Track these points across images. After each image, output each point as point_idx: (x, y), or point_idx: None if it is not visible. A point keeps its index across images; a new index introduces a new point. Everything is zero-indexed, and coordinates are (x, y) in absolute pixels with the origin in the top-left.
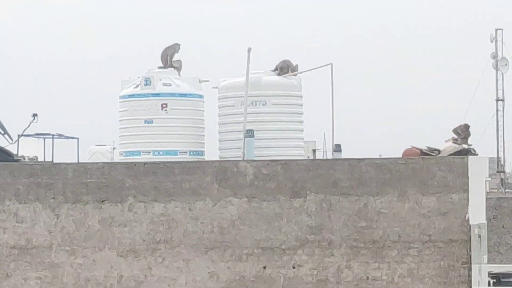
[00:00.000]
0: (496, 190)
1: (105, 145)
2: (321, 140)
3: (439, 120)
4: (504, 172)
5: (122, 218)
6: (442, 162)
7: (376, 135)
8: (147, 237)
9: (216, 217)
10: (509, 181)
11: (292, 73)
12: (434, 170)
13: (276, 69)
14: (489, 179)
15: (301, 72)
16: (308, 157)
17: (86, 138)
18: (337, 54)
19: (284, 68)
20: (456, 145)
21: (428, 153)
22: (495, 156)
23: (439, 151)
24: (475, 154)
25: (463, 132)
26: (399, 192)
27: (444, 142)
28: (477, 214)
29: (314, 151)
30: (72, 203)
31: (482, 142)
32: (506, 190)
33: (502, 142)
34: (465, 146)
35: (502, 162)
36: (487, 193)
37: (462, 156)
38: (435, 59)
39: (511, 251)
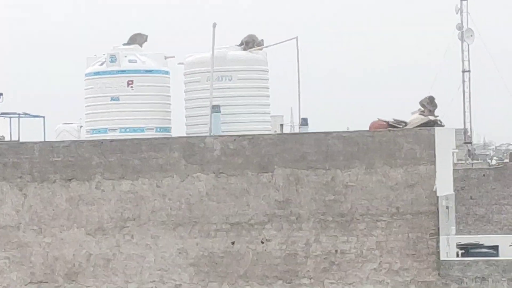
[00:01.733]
0: (463, 162)
1: (72, 123)
2: (289, 115)
3: (406, 91)
4: (471, 143)
5: (89, 196)
6: (409, 134)
7: (344, 107)
8: (115, 215)
9: (184, 193)
10: (476, 152)
11: (258, 48)
12: (401, 142)
13: (241, 43)
14: (457, 150)
15: (266, 46)
16: (275, 131)
17: (53, 116)
18: (303, 27)
19: (250, 43)
20: (423, 117)
21: (395, 125)
22: (462, 127)
23: (406, 123)
24: (442, 126)
25: (428, 104)
26: (367, 165)
27: (410, 114)
28: (444, 185)
29: (281, 125)
30: (39, 182)
31: (449, 113)
32: (473, 161)
33: (469, 113)
34: (431, 117)
35: (469, 133)
36: (454, 164)
37: (428, 128)
38: (400, 29)
39: (479, 222)
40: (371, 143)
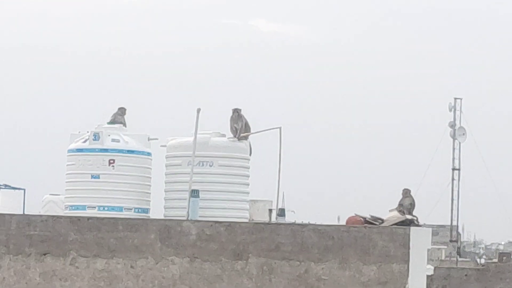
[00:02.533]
0: (452, 258)
1: (59, 195)
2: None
3: (395, 185)
4: (457, 241)
5: (63, 272)
6: (384, 231)
7: (332, 197)
8: None
9: (157, 275)
10: (465, 249)
11: (246, 134)
12: (375, 239)
13: (233, 114)
14: (445, 247)
15: (253, 133)
16: (266, 216)
17: (34, 189)
18: (287, 118)
19: (238, 130)
20: (400, 215)
21: (371, 222)
22: (452, 224)
23: (382, 221)
24: (418, 225)
25: (407, 200)
26: (340, 260)
27: (388, 212)
28: (417, 285)
29: (270, 210)
30: (14, 255)
31: (437, 210)
32: (461, 259)
33: (456, 211)
34: (408, 216)
35: (458, 231)
36: (441, 261)
37: (404, 227)
38: (392, 124)
39: None
40: (346, 238)
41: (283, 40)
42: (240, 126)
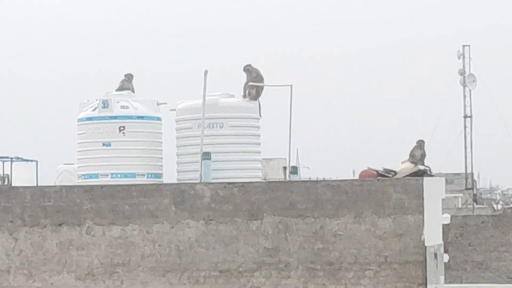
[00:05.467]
0: (465, 207)
1: (73, 164)
2: (293, 157)
3: (406, 135)
4: (472, 189)
5: (80, 241)
6: (397, 183)
7: (346, 152)
8: (105, 260)
9: (173, 239)
10: (482, 196)
11: (256, 84)
12: (389, 192)
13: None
14: (461, 195)
15: (263, 85)
16: (281, 173)
17: (47, 160)
18: (300, 73)
19: (250, 71)
20: (413, 166)
21: (384, 175)
22: (467, 172)
23: (395, 173)
24: (431, 175)
25: (418, 150)
26: (355, 214)
27: (400, 163)
28: (433, 235)
29: (284, 168)
30: (30, 227)
31: (451, 159)
32: (477, 206)
33: (470, 159)
34: (421, 167)
35: (474, 178)
36: (458, 209)
37: (417, 178)
38: (402, 75)
39: (478, 269)
40: (360, 192)
41: None
42: (254, 89)
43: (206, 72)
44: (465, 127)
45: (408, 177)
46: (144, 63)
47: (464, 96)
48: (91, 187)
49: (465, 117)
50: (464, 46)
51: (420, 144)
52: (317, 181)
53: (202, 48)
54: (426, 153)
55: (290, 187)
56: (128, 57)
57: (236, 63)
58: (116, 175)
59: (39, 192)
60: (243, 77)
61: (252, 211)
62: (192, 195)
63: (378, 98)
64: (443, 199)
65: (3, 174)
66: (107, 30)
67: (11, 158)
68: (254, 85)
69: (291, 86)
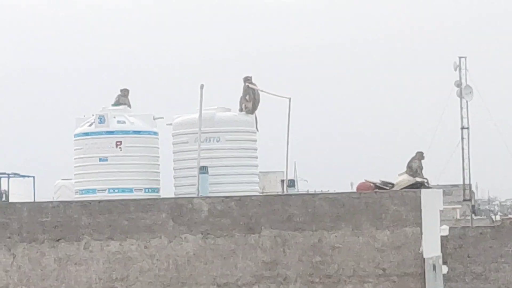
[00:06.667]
0: (463, 218)
1: (70, 179)
2: (291, 170)
3: (404, 148)
4: (470, 200)
5: (78, 256)
6: (395, 196)
7: (344, 165)
8: (104, 276)
9: (171, 254)
10: (480, 207)
11: (256, 87)
12: (387, 204)
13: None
14: (459, 206)
15: (262, 90)
16: (279, 186)
17: (44, 176)
18: (296, 88)
19: (249, 79)
20: (410, 178)
21: (381, 187)
22: (465, 183)
23: (392, 185)
24: (429, 187)
25: (416, 162)
26: (353, 226)
27: (398, 176)
28: (431, 247)
29: (282, 181)
30: (28, 243)
31: (448, 170)
32: (476, 217)
33: (468, 170)
34: (418, 179)
35: (472, 189)
36: (456, 220)
37: (414, 190)
38: (399, 87)
39: (477, 280)
40: (358, 205)
41: (286, 8)
42: (251, 102)
43: (202, 86)
44: (462, 138)
45: (405, 189)
46: (139, 77)
47: (461, 108)
48: (89, 202)
49: (462, 128)
50: (460, 57)
51: (419, 156)
52: (314, 194)
53: (199, 62)
54: (424, 164)
55: (288, 200)
56: (124, 72)
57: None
58: (114, 190)
59: (36, 207)
60: (240, 90)
61: (250, 224)
62: (190, 209)
63: (376, 110)
64: (441, 211)
65: (1, 190)
66: (103, 45)
67: (8, 174)
68: (252, 88)
69: (290, 99)
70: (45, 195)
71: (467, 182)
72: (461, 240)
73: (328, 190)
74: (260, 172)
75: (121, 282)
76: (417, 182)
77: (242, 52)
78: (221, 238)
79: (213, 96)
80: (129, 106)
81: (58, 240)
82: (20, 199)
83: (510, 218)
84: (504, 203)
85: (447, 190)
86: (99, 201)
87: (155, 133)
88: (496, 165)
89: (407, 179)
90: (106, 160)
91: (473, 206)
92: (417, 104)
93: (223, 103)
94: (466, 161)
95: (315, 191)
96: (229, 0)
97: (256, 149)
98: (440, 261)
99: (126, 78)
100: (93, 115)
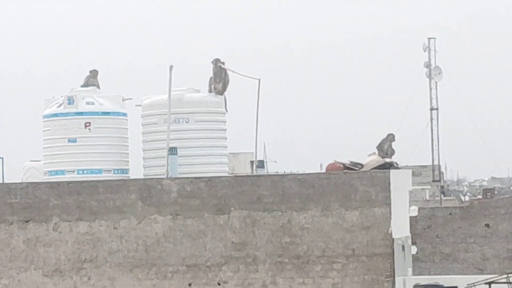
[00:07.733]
0: (432, 199)
1: (39, 161)
2: (260, 151)
3: (374, 128)
4: (439, 181)
5: (47, 237)
6: (364, 176)
7: (313, 145)
8: (72, 256)
9: (141, 235)
10: (449, 188)
11: (227, 68)
12: (356, 185)
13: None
14: (428, 187)
15: (232, 71)
16: (248, 168)
17: (12, 157)
18: (266, 66)
19: (218, 61)
20: (379, 159)
21: (351, 168)
22: (434, 164)
23: (362, 166)
24: (398, 168)
25: (387, 143)
26: (322, 207)
27: (367, 156)
28: (400, 227)
29: (252, 162)
30: None
31: (418, 151)
32: (445, 198)
33: (437, 150)
34: (387, 160)
35: (441, 170)
36: (426, 201)
37: (384, 170)
38: (368, 68)
39: (445, 260)
40: (327, 185)
41: None
42: (220, 83)
43: (171, 67)
44: (431, 119)
45: (375, 170)
46: (109, 58)
47: (430, 89)
48: (58, 183)
49: (432, 109)
50: (429, 38)
51: (390, 137)
52: (284, 175)
53: (167, 43)
54: (394, 146)
55: (257, 181)
56: (93, 53)
57: (202, 57)
58: (83, 171)
59: (5, 189)
60: (209, 71)
61: (219, 205)
62: (159, 190)
63: (345, 92)
64: (410, 191)
65: None
66: (72, 26)
67: None
68: (223, 68)
69: (259, 80)
70: (13, 177)
71: (436, 163)
72: (430, 221)
73: (297, 171)
74: (230, 153)
75: (90, 263)
76: (386, 163)
77: (213, 33)
78: (190, 219)
79: (182, 77)
80: (98, 87)
81: (27, 221)
82: None
83: (478, 199)
84: (473, 184)
85: (416, 171)
86: (68, 182)
87: (124, 114)
88: (465, 146)
89: (376, 160)
90: (75, 141)
91: (442, 187)
92: (387, 85)
93: (192, 84)
94: (435, 142)
95: (284, 172)
96: None
97: (225, 130)
98: (409, 241)
99: (95, 59)
100: (62, 96)
